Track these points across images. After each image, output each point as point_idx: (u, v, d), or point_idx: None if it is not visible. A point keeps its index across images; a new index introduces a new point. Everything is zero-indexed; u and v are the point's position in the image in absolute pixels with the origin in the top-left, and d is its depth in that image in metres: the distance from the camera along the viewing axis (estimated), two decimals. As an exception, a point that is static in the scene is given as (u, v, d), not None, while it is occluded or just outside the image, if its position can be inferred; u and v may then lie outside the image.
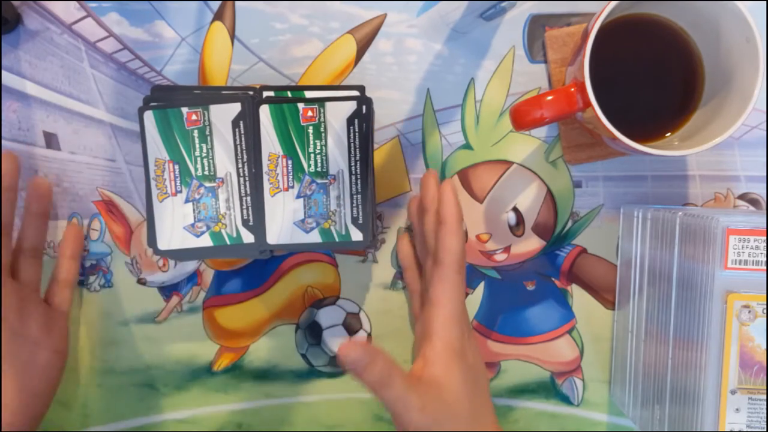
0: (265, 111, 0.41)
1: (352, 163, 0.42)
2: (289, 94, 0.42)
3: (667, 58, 0.41)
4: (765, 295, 0.34)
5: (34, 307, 0.43)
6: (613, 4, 0.36)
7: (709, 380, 0.35)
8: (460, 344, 0.38)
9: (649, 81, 0.42)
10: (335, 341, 0.47)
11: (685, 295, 0.37)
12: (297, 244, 0.42)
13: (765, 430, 0.35)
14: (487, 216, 0.47)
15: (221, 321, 0.47)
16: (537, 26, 0.45)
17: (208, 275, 0.47)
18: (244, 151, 0.42)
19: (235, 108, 0.41)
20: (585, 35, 0.37)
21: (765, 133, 0.46)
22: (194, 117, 0.41)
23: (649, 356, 0.41)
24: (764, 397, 0.34)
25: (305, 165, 0.41)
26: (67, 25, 0.45)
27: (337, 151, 0.42)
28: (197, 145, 0.41)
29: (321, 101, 0.41)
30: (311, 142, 0.41)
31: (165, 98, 0.42)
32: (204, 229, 0.42)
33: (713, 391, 0.35)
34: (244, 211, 0.42)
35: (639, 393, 0.43)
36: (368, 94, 0.43)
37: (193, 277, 0.47)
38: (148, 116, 0.41)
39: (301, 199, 0.42)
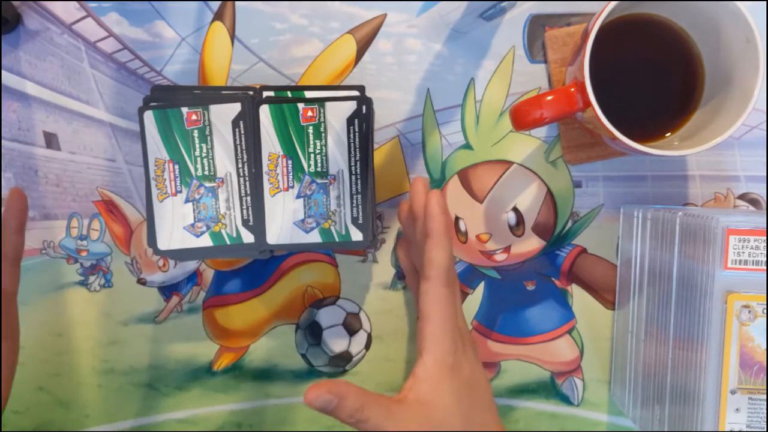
0: (265, 111, 0.41)
1: (352, 163, 0.42)
2: (289, 94, 0.42)
3: (667, 58, 0.41)
4: (765, 295, 0.34)
5: None
6: (613, 4, 0.36)
7: (709, 380, 0.35)
8: (453, 358, 0.37)
9: (649, 81, 0.42)
10: (335, 341, 0.47)
11: (685, 295, 0.37)
12: (297, 244, 0.42)
13: (765, 430, 0.35)
14: (487, 216, 0.47)
15: (221, 321, 0.47)
16: (537, 26, 0.45)
17: (208, 275, 0.47)
18: (244, 151, 0.42)
19: (235, 108, 0.41)
20: (585, 35, 0.37)
21: (765, 133, 0.46)
22: (194, 117, 0.41)
23: (649, 356, 0.41)
24: (764, 397, 0.34)
25: (305, 165, 0.41)
26: (67, 25, 0.45)
27: (337, 151, 0.42)
28: (197, 145, 0.41)
29: (321, 101, 0.41)
30: (311, 142, 0.41)
31: (165, 98, 0.42)
32: (204, 229, 0.42)
33: (713, 391, 0.35)
34: (244, 211, 0.42)
35: (639, 393, 0.43)
36: (368, 94, 0.43)
37: (193, 277, 0.47)
38: (148, 116, 0.41)
39: (301, 199, 0.42)
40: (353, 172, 0.42)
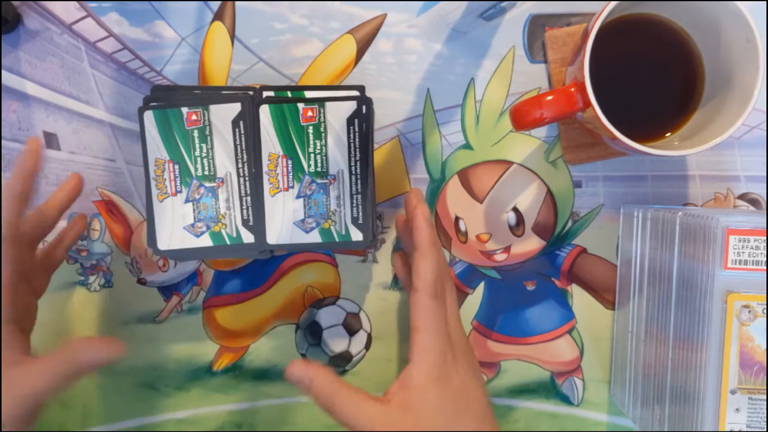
0: (265, 111, 0.41)
1: (352, 163, 0.42)
2: (289, 94, 0.42)
3: (667, 58, 0.41)
4: (765, 295, 0.34)
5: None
6: (613, 4, 0.36)
7: (709, 380, 0.35)
8: (440, 370, 0.37)
9: (649, 81, 0.42)
10: (335, 341, 0.47)
11: (685, 295, 0.37)
12: (297, 244, 0.42)
13: (765, 430, 0.35)
14: (487, 216, 0.47)
15: (221, 321, 0.47)
16: (537, 26, 0.45)
17: (208, 275, 0.47)
18: (244, 151, 0.42)
19: (235, 108, 0.41)
20: (585, 35, 0.37)
21: (765, 133, 0.46)
22: (194, 117, 0.41)
23: (649, 356, 0.41)
24: (764, 397, 0.34)
25: (305, 165, 0.41)
26: (67, 25, 0.45)
27: (337, 151, 0.42)
28: (197, 145, 0.41)
29: (321, 101, 0.41)
30: (311, 142, 0.41)
31: (165, 98, 0.42)
32: (204, 229, 0.42)
33: (713, 391, 0.35)
34: (244, 211, 0.42)
35: (639, 393, 0.43)
36: (368, 94, 0.43)
37: (193, 277, 0.47)
38: (148, 116, 0.41)
39: (301, 199, 0.42)
40: (353, 172, 0.42)
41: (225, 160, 0.42)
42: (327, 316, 0.47)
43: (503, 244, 0.47)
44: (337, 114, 0.41)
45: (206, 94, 0.43)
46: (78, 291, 0.47)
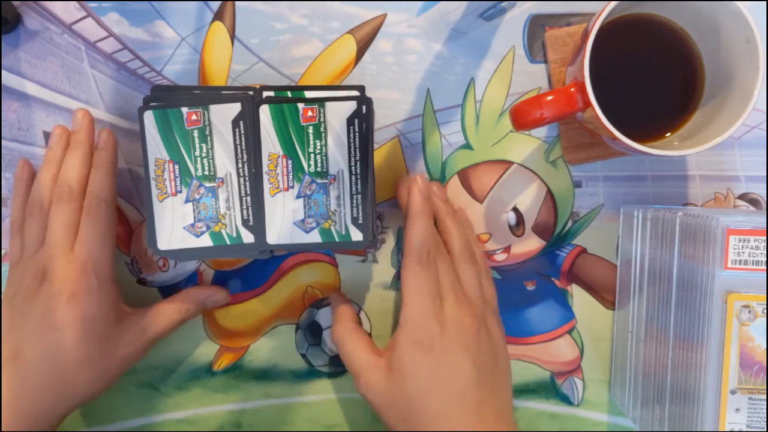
0: (265, 111, 0.41)
1: (352, 163, 0.42)
2: (289, 94, 0.42)
3: (667, 58, 0.41)
4: (765, 295, 0.34)
5: None
6: (613, 4, 0.36)
7: (709, 380, 0.35)
8: (420, 335, 0.39)
9: (649, 81, 0.42)
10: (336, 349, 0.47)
11: (685, 295, 0.37)
12: (297, 244, 0.42)
13: (765, 430, 0.35)
14: (487, 216, 0.47)
15: (221, 321, 0.47)
16: (537, 26, 0.45)
17: (208, 275, 0.47)
18: (244, 151, 0.42)
19: (235, 108, 0.41)
20: (585, 35, 0.37)
21: (765, 133, 0.46)
22: (194, 117, 0.41)
23: (649, 356, 0.41)
24: (764, 397, 0.34)
25: (305, 165, 0.41)
26: (67, 25, 0.45)
27: (337, 151, 0.42)
28: (197, 145, 0.41)
29: (321, 101, 0.41)
30: (311, 142, 0.41)
31: (165, 98, 0.42)
32: (204, 229, 0.42)
33: (713, 391, 0.35)
34: (244, 211, 0.42)
35: (639, 393, 0.43)
36: (368, 94, 0.43)
37: (193, 277, 0.47)
38: (148, 116, 0.41)
39: (301, 199, 0.42)
40: (353, 172, 0.42)
41: (225, 160, 0.42)
42: (327, 316, 0.47)
43: (503, 244, 0.47)
44: (337, 114, 0.41)
45: (206, 94, 0.43)
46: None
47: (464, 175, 0.46)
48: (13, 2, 0.44)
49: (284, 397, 0.47)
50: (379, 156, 0.46)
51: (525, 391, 0.47)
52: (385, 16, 0.45)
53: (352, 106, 0.41)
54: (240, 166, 0.42)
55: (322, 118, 0.41)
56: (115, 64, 0.45)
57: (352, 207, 0.42)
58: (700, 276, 0.35)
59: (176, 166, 0.42)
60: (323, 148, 0.41)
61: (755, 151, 0.46)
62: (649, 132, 0.41)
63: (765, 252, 0.34)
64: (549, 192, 0.47)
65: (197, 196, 0.42)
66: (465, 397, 0.39)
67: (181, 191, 0.42)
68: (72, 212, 0.40)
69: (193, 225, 0.42)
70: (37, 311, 0.39)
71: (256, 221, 0.42)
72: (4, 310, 0.40)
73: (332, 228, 0.42)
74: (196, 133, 0.41)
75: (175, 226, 0.42)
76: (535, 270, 0.47)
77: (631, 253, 0.44)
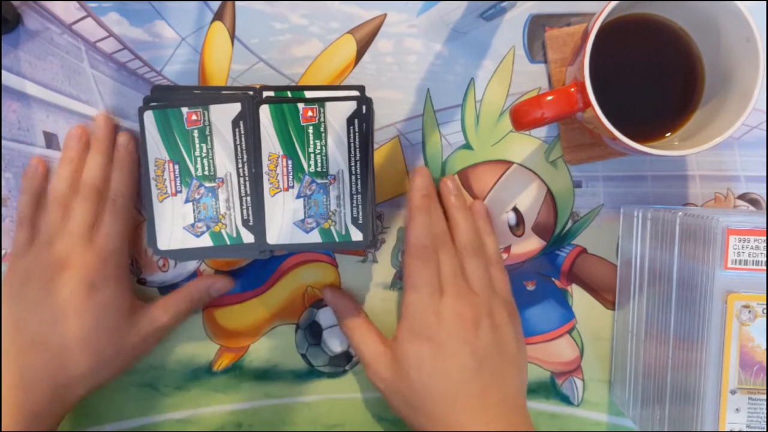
0: (265, 111, 0.41)
1: (352, 163, 0.42)
2: (289, 94, 0.42)
3: (667, 58, 0.41)
4: (765, 295, 0.34)
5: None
6: (613, 4, 0.36)
7: (709, 380, 0.35)
8: (418, 326, 0.41)
9: (649, 81, 0.42)
10: (335, 341, 0.47)
11: (685, 295, 0.37)
12: (297, 244, 0.42)
13: (765, 430, 0.35)
14: (487, 216, 0.47)
15: (221, 321, 0.47)
16: (537, 26, 0.45)
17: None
18: (244, 151, 0.42)
19: (235, 108, 0.41)
20: (585, 35, 0.37)
21: (765, 133, 0.46)
22: (194, 117, 0.41)
23: (649, 356, 0.41)
24: (764, 397, 0.34)
25: (305, 165, 0.41)
26: (67, 25, 0.45)
27: (337, 151, 0.42)
28: (197, 145, 0.41)
29: (321, 101, 0.41)
30: (311, 142, 0.41)
31: (165, 98, 0.42)
32: (204, 229, 0.42)
33: (713, 391, 0.35)
34: (244, 211, 0.42)
35: (639, 393, 0.43)
36: (368, 94, 0.43)
37: (193, 277, 0.47)
38: (148, 116, 0.41)
39: (301, 199, 0.42)
40: (353, 172, 0.42)
41: (225, 160, 0.42)
42: (327, 316, 0.47)
43: (503, 244, 0.47)
44: (337, 114, 0.41)
45: (206, 94, 0.43)
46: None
47: (464, 175, 0.46)
48: (13, 2, 0.44)
49: (284, 397, 0.47)
50: (379, 156, 0.46)
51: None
52: (385, 16, 0.45)
53: (352, 106, 0.41)
54: (240, 166, 0.42)
55: (322, 118, 0.41)
56: (115, 64, 0.45)
57: (352, 207, 0.42)
58: (700, 276, 0.35)
59: (176, 166, 0.42)
60: (323, 148, 0.41)
61: (755, 151, 0.46)
62: (649, 132, 0.41)
63: (765, 252, 0.34)
64: (549, 192, 0.47)
65: (197, 196, 0.42)
66: (465, 386, 0.40)
67: (181, 191, 0.42)
68: (94, 208, 0.42)
69: (193, 225, 0.42)
70: (59, 299, 0.40)
71: (256, 221, 0.42)
72: (15, 298, 0.41)
73: (332, 228, 0.42)
74: (196, 133, 0.41)
75: (175, 226, 0.42)
76: (535, 270, 0.47)
77: (631, 253, 0.44)
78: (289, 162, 0.41)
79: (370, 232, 0.42)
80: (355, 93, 0.42)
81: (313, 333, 0.47)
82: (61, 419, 0.42)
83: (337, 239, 0.42)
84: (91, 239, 0.42)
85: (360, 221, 0.42)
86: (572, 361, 0.47)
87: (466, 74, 0.46)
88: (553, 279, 0.47)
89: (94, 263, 0.41)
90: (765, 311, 0.34)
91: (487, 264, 0.43)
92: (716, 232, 0.34)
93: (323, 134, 0.41)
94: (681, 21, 0.41)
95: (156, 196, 0.42)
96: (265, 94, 0.42)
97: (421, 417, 0.40)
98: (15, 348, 0.40)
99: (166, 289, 0.47)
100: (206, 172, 0.42)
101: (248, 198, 0.42)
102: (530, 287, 0.47)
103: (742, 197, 0.46)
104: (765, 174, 0.46)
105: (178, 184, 0.42)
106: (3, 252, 0.46)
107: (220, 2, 0.45)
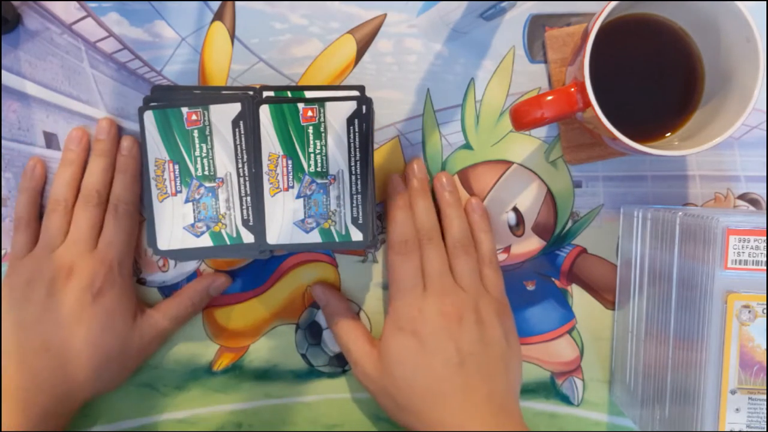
0: (265, 111, 0.41)
1: (352, 163, 0.42)
2: (289, 94, 0.42)
3: (667, 58, 0.41)
4: (765, 295, 0.34)
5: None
6: (613, 4, 0.36)
7: (709, 380, 0.35)
8: (401, 321, 0.41)
9: (649, 81, 0.42)
10: (335, 342, 0.47)
11: (685, 295, 0.37)
12: (297, 244, 0.42)
13: (765, 430, 0.35)
14: (487, 216, 0.47)
15: (221, 321, 0.47)
16: (537, 26, 0.45)
17: (208, 275, 0.47)
18: (244, 151, 0.42)
19: (235, 108, 0.41)
20: (585, 35, 0.37)
21: (765, 133, 0.46)
22: (194, 117, 0.41)
23: (649, 356, 0.41)
24: (764, 397, 0.34)
25: (305, 165, 0.41)
26: (67, 25, 0.45)
27: (337, 151, 0.42)
28: (197, 145, 0.41)
29: (321, 101, 0.41)
30: (311, 142, 0.41)
31: (165, 98, 0.42)
32: (204, 229, 0.42)
33: (713, 391, 0.35)
34: (244, 211, 0.42)
35: (639, 393, 0.43)
36: (368, 94, 0.43)
37: (193, 277, 0.47)
38: (148, 116, 0.41)
39: (301, 199, 0.42)
40: (353, 172, 0.42)
41: (225, 160, 0.42)
42: (327, 316, 0.47)
43: (503, 244, 0.47)
44: (337, 114, 0.41)
45: (206, 94, 0.43)
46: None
47: (464, 175, 0.46)
48: (13, 2, 0.44)
49: (284, 397, 0.47)
50: (379, 156, 0.46)
51: (525, 391, 0.47)
52: (385, 16, 0.45)
53: (352, 106, 0.41)
54: (240, 166, 0.42)
55: (322, 118, 0.41)
56: (115, 64, 0.45)
57: (352, 207, 0.42)
58: (700, 276, 0.35)
59: (176, 166, 0.42)
60: (323, 148, 0.41)
61: (755, 151, 0.46)
62: (649, 132, 0.41)
63: (765, 252, 0.34)
64: (549, 192, 0.47)
65: (197, 196, 0.42)
66: (448, 381, 0.40)
67: (181, 191, 0.42)
68: (98, 214, 0.43)
69: (193, 225, 0.42)
70: (66, 306, 0.41)
71: (256, 221, 0.42)
72: (17, 301, 0.41)
73: (332, 228, 0.42)
74: (196, 133, 0.41)
75: (175, 226, 0.42)
76: (535, 270, 0.47)
77: (631, 253, 0.44)
78: (289, 162, 0.41)
79: (370, 232, 0.42)
80: (355, 93, 0.42)
81: (313, 333, 0.47)
82: (68, 422, 0.42)
83: (337, 239, 0.42)
84: (94, 246, 0.42)
85: (360, 221, 0.42)
86: (572, 361, 0.47)
87: (466, 74, 0.46)
88: (553, 279, 0.47)
89: (98, 271, 0.41)
90: (765, 311, 0.34)
91: (478, 262, 0.44)
92: (716, 232, 0.34)
93: (323, 134, 0.41)
94: (681, 21, 0.41)
95: (156, 196, 0.42)
96: (265, 94, 0.42)
97: (408, 415, 0.40)
98: (21, 350, 0.40)
99: (166, 289, 0.47)
100: (206, 172, 0.42)
101: (248, 198, 0.42)
102: (530, 287, 0.47)
103: (742, 197, 0.46)
104: (765, 174, 0.46)
105: (178, 184, 0.42)
106: (3, 252, 0.46)
107: (220, 2, 0.45)
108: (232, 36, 0.45)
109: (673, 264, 0.38)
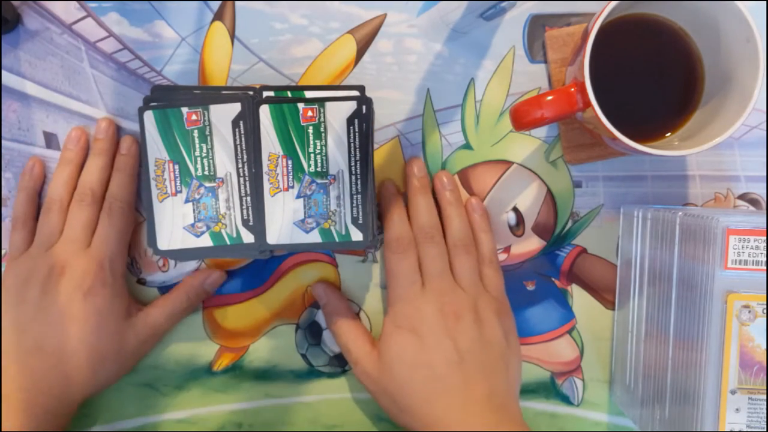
0: (265, 111, 0.41)
1: (352, 163, 0.42)
2: (289, 94, 0.42)
3: (667, 58, 0.41)
4: (765, 295, 0.34)
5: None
6: (613, 4, 0.36)
7: (709, 380, 0.35)
8: (400, 320, 0.42)
9: (649, 81, 0.42)
10: (335, 342, 0.47)
11: (685, 295, 0.37)
12: (297, 244, 0.42)
13: (765, 430, 0.35)
14: (487, 216, 0.46)
15: (221, 321, 0.47)
16: (537, 26, 0.45)
17: (208, 275, 0.47)
18: (244, 151, 0.42)
19: (235, 108, 0.41)
20: (585, 35, 0.37)
21: (765, 133, 0.46)
22: (194, 117, 0.41)
23: (649, 356, 0.41)
24: (764, 397, 0.34)
25: (305, 165, 0.41)
26: (67, 25, 0.45)
27: (337, 151, 0.42)
28: (197, 145, 0.41)
29: (321, 101, 0.41)
30: (311, 142, 0.41)
31: (165, 98, 0.42)
32: (204, 229, 0.42)
33: (713, 391, 0.35)
34: (244, 211, 0.42)
35: (639, 393, 0.43)
36: (368, 94, 0.43)
37: (193, 277, 0.47)
38: (148, 116, 0.41)
39: (301, 199, 0.42)
40: (353, 172, 0.42)
41: (225, 160, 0.42)
42: (327, 316, 0.47)
43: (503, 244, 0.47)
44: (337, 114, 0.41)
45: (206, 94, 0.43)
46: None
47: (464, 175, 0.46)
48: (13, 2, 0.44)
49: (284, 397, 0.47)
50: (379, 156, 0.46)
51: (525, 391, 0.47)
52: (385, 16, 0.45)
53: (352, 106, 0.41)
54: (240, 166, 0.42)
55: (322, 118, 0.41)
56: (115, 64, 0.45)
57: (352, 207, 0.42)
58: (700, 276, 0.35)
59: (176, 166, 0.42)
60: (323, 148, 0.41)
61: (755, 151, 0.46)
62: (649, 132, 0.41)
63: (765, 252, 0.34)
64: (549, 192, 0.47)
65: (197, 196, 0.42)
66: (446, 379, 0.40)
67: (181, 191, 0.42)
68: (92, 213, 0.43)
69: (193, 225, 0.42)
70: (58, 305, 0.41)
71: (256, 221, 0.42)
72: (14, 301, 0.41)
73: (332, 228, 0.42)
74: (196, 133, 0.41)
75: (175, 226, 0.42)
76: (535, 270, 0.47)
77: (631, 253, 0.44)
78: (289, 162, 0.41)
79: (370, 232, 0.42)
80: (355, 93, 0.42)
81: (313, 333, 0.47)
82: (68, 422, 0.42)
83: (337, 239, 0.42)
84: (88, 244, 0.42)
85: (360, 221, 0.42)
86: (572, 361, 0.47)
87: (466, 74, 0.46)
88: (553, 279, 0.47)
89: (89, 269, 0.41)
90: (765, 311, 0.34)
91: (478, 261, 0.44)
92: (716, 232, 0.34)
93: (323, 134, 0.41)
94: (681, 21, 0.41)
95: (156, 196, 0.42)
96: (265, 94, 0.42)
97: (406, 416, 0.40)
98: (19, 351, 0.40)
99: (166, 289, 0.47)
100: (206, 172, 0.42)
101: (248, 198, 0.42)
102: (530, 287, 0.47)
103: (742, 197, 0.46)
104: (765, 174, 0.46)
105: (178, 184, 0.42)
106: (3, 252, 0.46)
107: (220, 2, 0.45)
108: (232, 36, 0.45)
109: (673, 264, 0.38)
